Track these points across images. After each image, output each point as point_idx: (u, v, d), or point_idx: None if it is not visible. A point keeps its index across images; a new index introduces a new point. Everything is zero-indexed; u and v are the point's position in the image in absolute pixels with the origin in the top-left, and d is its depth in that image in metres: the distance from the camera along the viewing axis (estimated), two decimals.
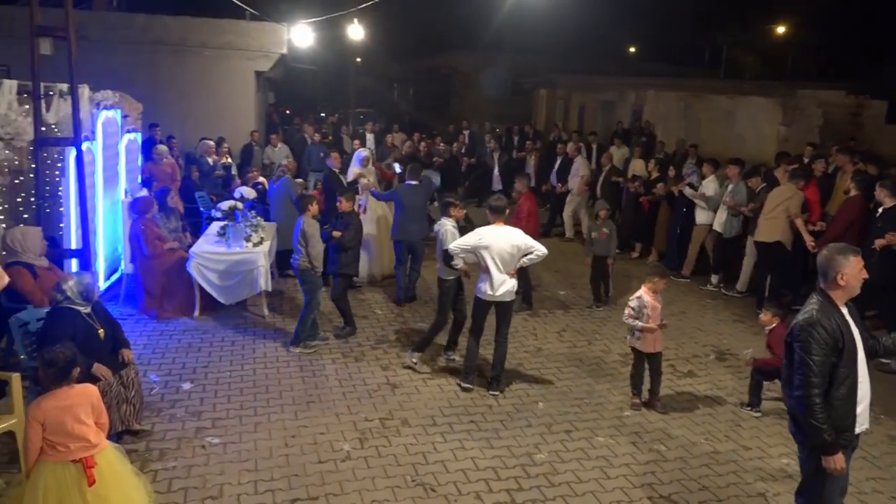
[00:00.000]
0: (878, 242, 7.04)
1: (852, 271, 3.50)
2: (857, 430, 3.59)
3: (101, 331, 5.07)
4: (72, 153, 6.99)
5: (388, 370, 6.72)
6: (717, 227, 9.46)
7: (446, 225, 6.67)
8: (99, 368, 4.90)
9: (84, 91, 7.91)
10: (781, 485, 4.92)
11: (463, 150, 15.55)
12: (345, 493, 4.68)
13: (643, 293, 5.90)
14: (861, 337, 3.57)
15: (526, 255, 6.14)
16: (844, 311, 3.58)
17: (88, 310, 5.02)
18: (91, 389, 3.88)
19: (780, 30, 35.09)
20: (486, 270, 6.10)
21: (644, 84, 20.18)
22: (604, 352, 7.35)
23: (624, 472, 5.03)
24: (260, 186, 10.63)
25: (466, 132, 17.16)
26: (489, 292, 6.13)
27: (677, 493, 4.79)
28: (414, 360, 6.75)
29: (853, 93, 16.43)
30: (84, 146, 7.44)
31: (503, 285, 6.11)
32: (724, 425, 5.79)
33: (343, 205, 7.60)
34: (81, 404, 3.75)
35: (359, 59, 42.35)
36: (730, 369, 6.98)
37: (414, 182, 8.82)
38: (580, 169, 12.29)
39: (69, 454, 3.67)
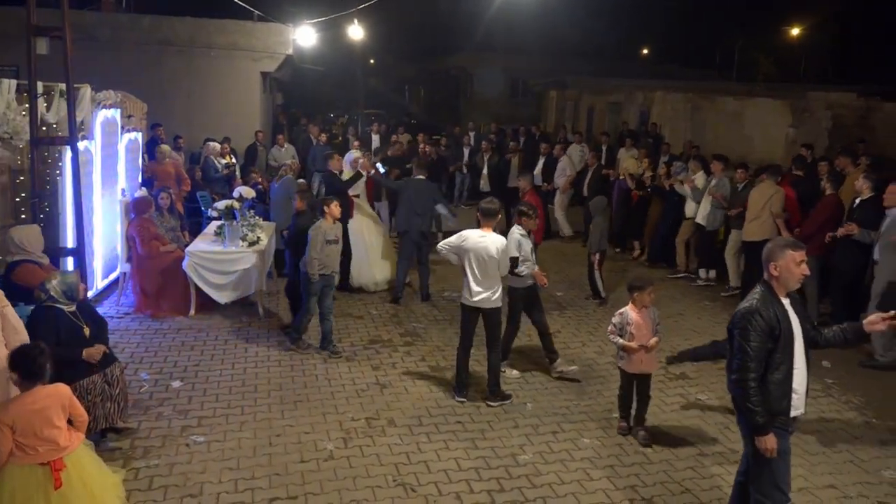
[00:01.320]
0: (840, 231, 7.33)
1: (785, 264, 3.64)
2: (793, 413, 3.70)
3: (86, 329, 5.08)
4: (68, 152, 7.04)
5: (378, 370, 6.71)
6: (699, 220, 9.70)
7: (515, 233, 6.46)
8: (88, 352, 4.92)
9: (85, 91, 7.99)
10: None
11: (467, 152, 15.46)
12: (324, 492, 4.67)
13: (628, 309, 5.42)
14: (802, 328, 3.70)
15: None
16: (786, 301, 3.71)
17: (73, 308, 5.04)
18: (62, 390, 3.84)
19: (794, 32, 34.83)
20: (466, 274, 6.00)
21: (652, 85, 20.07)
22: (597, 353, 7.30)
23: (607, 474, 4.99)
24: (259, 187, 10.68)
25: (472, 133, 17.12)
26: (468, 297, 6.01)
27: (659, 495, 4.74)
28: (502, 370, 6.52)
29: (864, 95, 16.24)
30: (82, 145, 7.51)
31: (480, 292, 5.95)
32: (712, 428, 5.72)
33: (297, 203, 7.56)
34: (52, 406, 3.71)
35: (372, 61, 42.51)
36: (722, 372, 6.83)
37: (421, 176, 9.07)
38: (566, 169, 12.45)
39: (37, 457, 3.64)
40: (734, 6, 34.78)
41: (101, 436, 5.12)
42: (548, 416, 5.88)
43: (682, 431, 5.67)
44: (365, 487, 4.74)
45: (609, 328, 5.48)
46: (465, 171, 15.29)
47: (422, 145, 14.06)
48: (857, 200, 7.45)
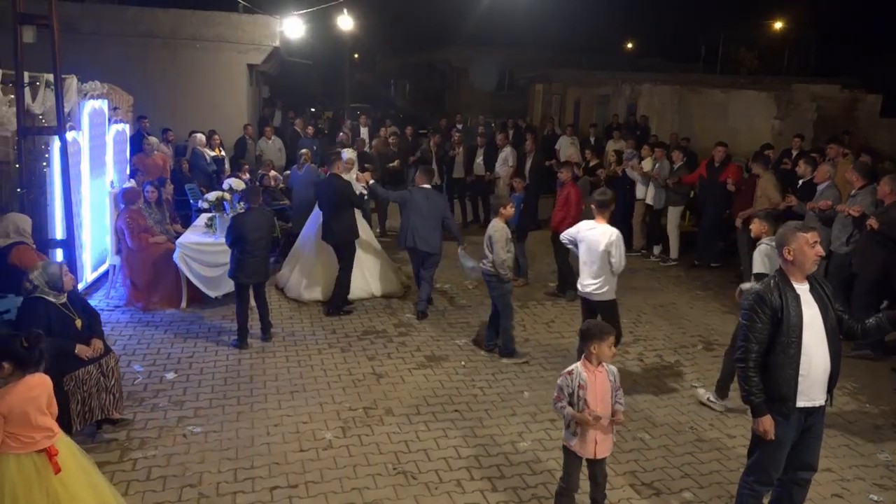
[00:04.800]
0: (781, 204, 8.27)
1: (798, 247, 3.66)
2: (803, 403, 3.65)
3: (78, 322, 5.01)
4: (56, 143, 6.93)
5: (374, 360, 6.69)
6: (648, 200, 10.76)
7: (763, 246, 5.59)
8: (81, 349, 4.89)
9: (72, 82, 7.86)
10: None
11: (456, 143, 15.19)
12: (325, 480, 4.65)
13: (580, 367, 3.99)
14: (825, 316, 3.65)
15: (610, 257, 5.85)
16: (803, 287, 3.69)
17: (63, 300, 4.96)
18: (47, 379, 3.74)
19: (777, 25, 35.14)
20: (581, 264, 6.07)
21: (639, 78, 20.15)
22: None
23: (607, 460, 4.98)
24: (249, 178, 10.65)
25: (460, 126, 17.09)
26: (579, 287, 6.12)
27: (659, 480, 4.77)
28: (711, 399, 5.87)
29: (848, 87, 16.42)
30: (70, 136, 7.40)
31: (588, 283, 5.98)
32: (709, 414, 5.76)
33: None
34: (42, 394, 3.63)
35: (356, 55, 42.37)
36: (717, 360, 6.92)
37: (426, 186, 7.97)
38: (508, 159, 12.71)
39: (34, 445, 3.55)
40: (715, 2, 35.08)
41: (97, 427, 5.07)
42: (545, 404, 5.87)
43: (679, 418, 5.70)
44: (366, 476, 4.72)
45: (555, 394, 4.06)
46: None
47: (390, 138, 13.59)
48: (801, 182, 8.53)
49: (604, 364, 4.01)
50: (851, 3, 29.54)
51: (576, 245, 6.11)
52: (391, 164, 12.11)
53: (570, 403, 3.95)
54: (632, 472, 4.85)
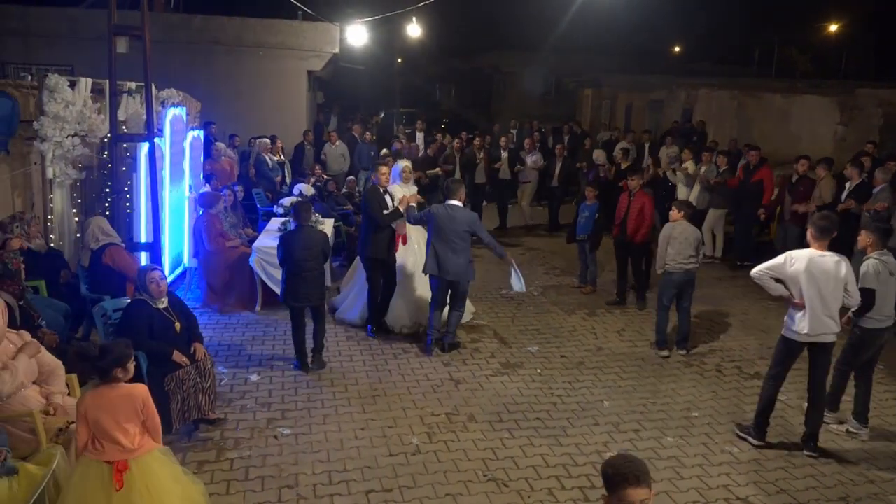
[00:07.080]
0: (839, 206, 8.69)
1: None
2: None
3: (177, 324, 5.18)
4: (144, 149, 7.16)
5: (449, 366, 6.74)
6: (691, 200, 10.78)
7: (871, 262, 5.29)
8: (178, 356, 5.05)
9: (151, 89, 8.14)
10: (862, 489, 4.80)
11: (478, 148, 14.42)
12: (418, 485, 4.71)
13: None
14: None
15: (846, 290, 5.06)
16: None
17: (165, 304, 5.14)
18: (139, 390, 3.73)
19: (832, 28, 34.27)
20: (800, 304, 5.06)
21: (695, 83, 19.88)
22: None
23: (697, 473, 4.95)
24: (319, 183, 10.89)
25: (514, 131, 17.07)
26: (804, 332, 5.05)
27: (754, 494, 4.71)
28: (856, 431, 5.54)
29: None
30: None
31: (822, 323, 5.02)
32: (798, 428, 5.65)
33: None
34: (122, 406, 3.63)
35: (399, 60, 42.72)
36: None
37: (454, 202, 6.92)
38: (538, 161, 13.28)
39: (103, 454, 3.59)
40: (768, 3, 34.32)
41: (194, 427, 5.23)
42: (627, 414, 5.86)
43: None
44: (457, 482, 4.76)
45: None
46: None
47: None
48: (850, 184, 8.87)
49: None
50: None
51: (779, 281, 5.16)
52: (431, 171, 12.22)
53: None
54: (724, 486, 4.80)
